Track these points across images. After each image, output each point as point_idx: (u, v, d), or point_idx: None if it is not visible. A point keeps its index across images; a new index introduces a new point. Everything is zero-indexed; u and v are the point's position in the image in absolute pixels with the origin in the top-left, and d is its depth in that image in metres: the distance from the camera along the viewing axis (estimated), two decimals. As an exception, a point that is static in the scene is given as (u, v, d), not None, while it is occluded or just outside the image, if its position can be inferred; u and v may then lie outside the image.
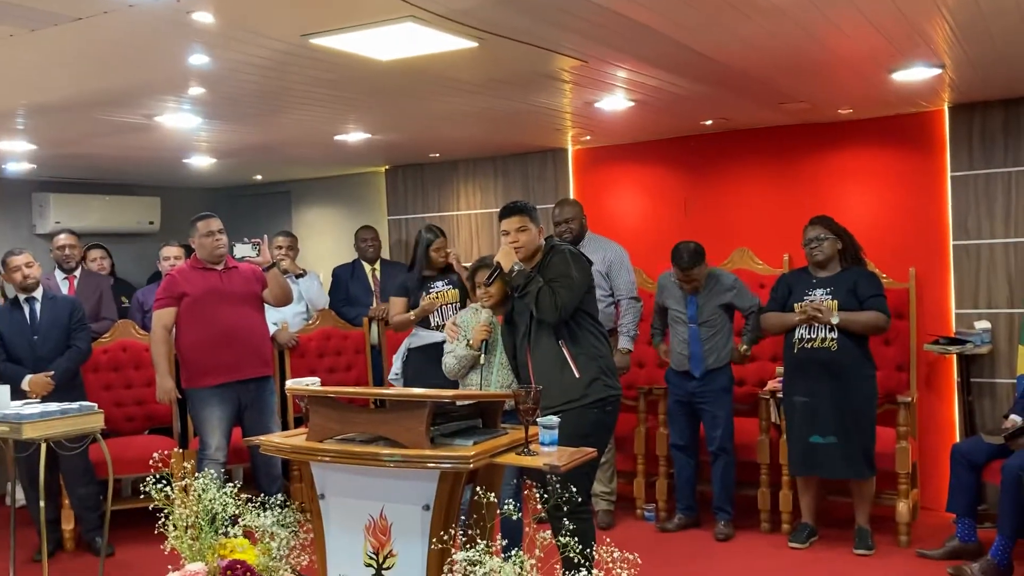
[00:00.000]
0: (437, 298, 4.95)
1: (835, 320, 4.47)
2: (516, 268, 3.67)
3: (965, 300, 5.17)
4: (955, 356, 5.08)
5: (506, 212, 3.76)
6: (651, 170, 6.10)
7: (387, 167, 7.09)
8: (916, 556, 4.49)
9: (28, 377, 4.74)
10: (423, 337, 4.91)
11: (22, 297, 4.93)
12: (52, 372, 4.79)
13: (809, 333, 4.56)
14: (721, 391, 4.88)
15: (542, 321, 3.66)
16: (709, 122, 5.43)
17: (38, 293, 4.94)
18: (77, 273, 5.80)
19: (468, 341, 4.00)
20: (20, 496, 6.07)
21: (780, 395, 4.84)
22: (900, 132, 5.34)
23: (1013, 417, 4.38)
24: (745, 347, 4.94)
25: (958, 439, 5.05)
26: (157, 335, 4.73)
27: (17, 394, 4.66)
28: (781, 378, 4.85)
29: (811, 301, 4.55)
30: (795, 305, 4.62)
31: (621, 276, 5.15)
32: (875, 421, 4.61)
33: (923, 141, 5.28)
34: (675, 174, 6.01)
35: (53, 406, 3.82)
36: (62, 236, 5.83)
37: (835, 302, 4.53)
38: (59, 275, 5.78)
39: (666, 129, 5.68)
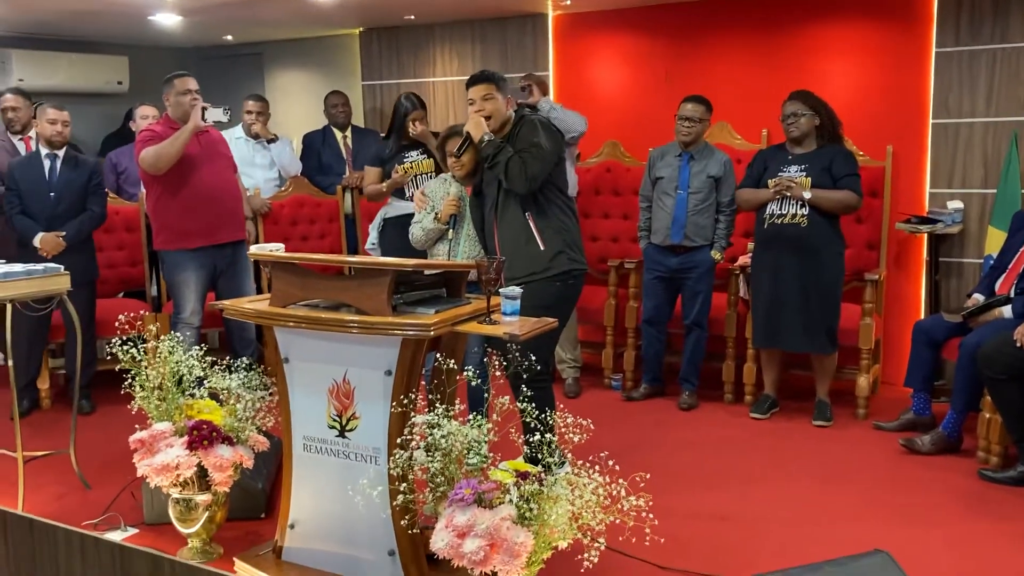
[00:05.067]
0: (411, 168, 4.89)
1: (807, 195, 4.47)
2: (486, 138, 3.62)
3: (940, 179, 5.16)
4: (925, 235, 5.11)
5: (472, 81, 3.69)
6: (632, 39, 5.94)
7: (361, 29, 6.87)
8: (872, 428, 4.64)
9: (40, 234, 4.76)
10: (398, 207, 4.88)
11: (44, 151, 4.91)
12: (64, 232, 4.80)
13: (780, 209, 4.56)
14: (705, 268, 4.90)
15: (510, 193, 3.63)
16: (693, -11, 5.26)
17: (61, 152, 4.92)
18: (32, 134, 5.64)
19: (436, 214, 3.97)
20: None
21: (749, 270, 4.87)
22: (887, 5, 5.19)
23: (976, 296, 4.45)
24: (718, 254, 4.90)
25: (923, 317, 5.13)
26: (153, 148, 4.48)
27: (28, 250, 4.71)
28: (751, 253, 4.88)
29: (785, 176, 4.54)
30: (768, 181, 4.60)
31: (567, 115, 5.04)
32: (840, 298, 4.66)
33: (910, 15, 5.14)
34: (656, 44, 5.86)
35: (18, 267, 3.80)
36: (9, 96, 5.58)
37: (808, 179, 4.51)
38: (13, 137, 5.62)
39: (649, -5, 5.50)
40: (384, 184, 4.86)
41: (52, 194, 4.87)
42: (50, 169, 4.91)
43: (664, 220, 4.93)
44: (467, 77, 3.77)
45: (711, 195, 4.87)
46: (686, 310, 5.00)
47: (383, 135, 5.17)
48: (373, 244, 5.00)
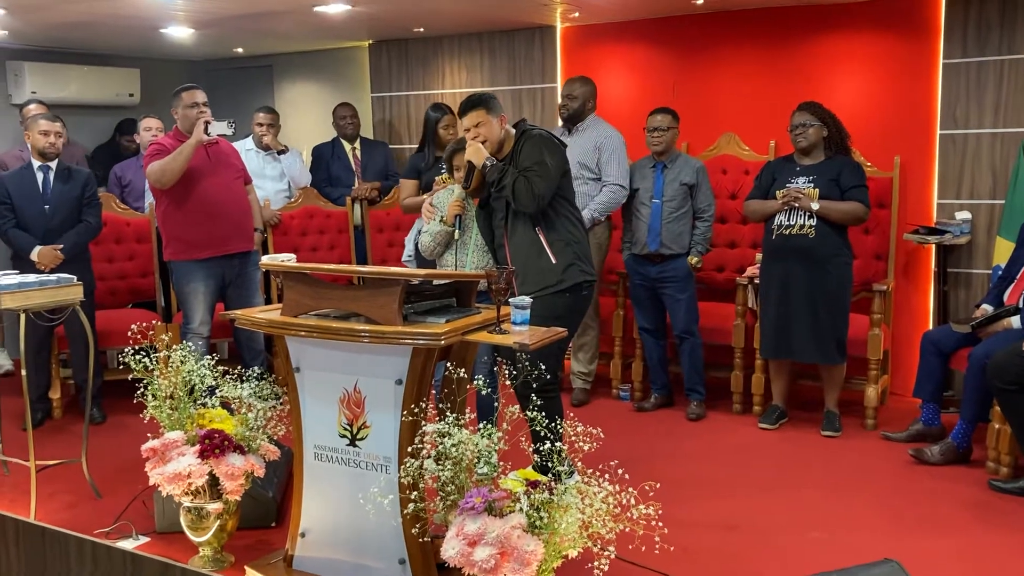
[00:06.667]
0: (451, 179, 4.92)
1: (815, 207, 4.48)
2: (488, 163, 3.65)
3: (948, 190, 5.16)
4: (933, 246, 5.11)
5: (462, 110, 3.71)
6: (640, 51, 5.97)
7: (371, 42, 6.91)
8: (881, 438, 4.63)
9: (37, 248, 4.75)
10: None
11: (36, 164, 4.89)
12: (61, 245, 4.79)
13: (788, 220, 4.57)
14: (682, 276, 4.93)
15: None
16: (700, 0, 5.28)
17: (53, 163, 4.91)
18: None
19: (442, 217, 4.01)
20: (5, 363, 6.17)
21: (757, 280, 4.88)
22: (894, 17, 5.21)
23: (984, 306, 4.45)
24: (696, 259, 4.93)
25: (932, 327, 5.13)
26: (159, 164, 4.53)
27: (26, 264, 4.70)
28: (759, 264, 4.89)
29: (792, 187, 4.56)
30: (776, 192, 4.62)
31: (611, 163, 5.10)
32: (848, 308, 4.67)
33: (917, 26, 5.16)
34: (664, 56, 5.89)
35: (31, 277, 3.83)
36: (33, 106, 5.71)
37: (816, 190, 4.53)
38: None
39: (656, 7, 5.52)
40: (425, 196, 4.90)
41: (47, 207, 4.85)
42: (43, 182, 4.87)
43: (641, 230, 4.97)
44: (476, 89, 3.79)
45: (686, 203, 4.91)
46: (674, 320, 5.02)
47: (417, 148, 5.17)
48: (409, 256, 5.01)
